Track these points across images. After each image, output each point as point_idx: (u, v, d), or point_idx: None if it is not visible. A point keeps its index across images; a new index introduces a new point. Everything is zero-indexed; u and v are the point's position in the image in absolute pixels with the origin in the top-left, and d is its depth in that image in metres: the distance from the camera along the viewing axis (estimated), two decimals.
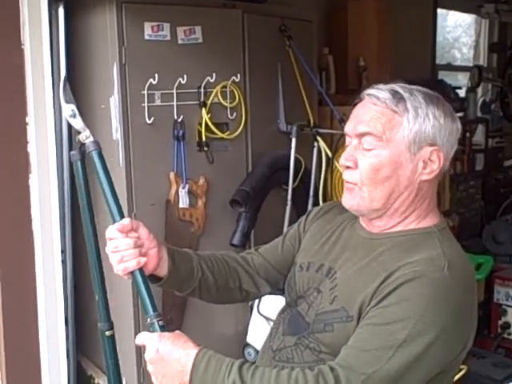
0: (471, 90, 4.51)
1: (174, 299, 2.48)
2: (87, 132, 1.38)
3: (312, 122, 2.83)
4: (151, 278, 1.43)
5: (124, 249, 1.35)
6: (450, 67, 5.02)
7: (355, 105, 1.40)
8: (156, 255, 1.41)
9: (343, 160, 1.37)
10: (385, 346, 1.21)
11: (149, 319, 1.31)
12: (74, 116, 1.38)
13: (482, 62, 5.20)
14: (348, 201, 1.40)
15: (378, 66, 3.56)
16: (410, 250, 1.32)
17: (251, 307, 2.71)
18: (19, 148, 2.28)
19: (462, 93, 4.67)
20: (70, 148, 2.43)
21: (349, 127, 1.38)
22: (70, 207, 2.46)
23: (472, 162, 4.55)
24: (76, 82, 2.44)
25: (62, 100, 1.37)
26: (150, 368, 1.28)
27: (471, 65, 5.28)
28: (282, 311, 1.56)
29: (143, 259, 1.35)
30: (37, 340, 2.44)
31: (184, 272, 1.47)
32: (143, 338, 1.29)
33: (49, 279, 2.42)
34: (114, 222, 1.35)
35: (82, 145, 1.38)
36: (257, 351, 2.70)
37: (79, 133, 1.38)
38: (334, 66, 3.39)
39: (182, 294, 1.53)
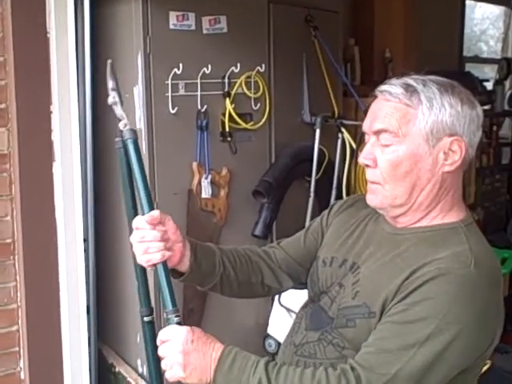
0: (499, 82, 4.44)
1: (195, 290, 2.46)
2: (125, 120, 1.38)
3: (336, 113, 2.80)
4: (173, 273, 1.42)
5: (150, 240, 1.33)
6: (477, 59, 4.95)
7: (371, 102, 1.38)
8: (180, 250, 1.40)
9: (362, 158, 1.35)
10: (406, 345, 1.19)
11: (165, 314, 1.30)
12: (115, 104, 1.38)
13: (511, 54, 5.10)
14: (372, 201, 1.38)
15: (404, 58, 3.52)
16: (435, 245, 1.29)
17: (272, 299, 2.71)
18: (43, 136, 2.29)
19: (489, 85, 4.59)
20: (94, 137, 2.43)
21: (365, 125, 1.36)
22: (92, 196, 2.47)
23: (498, 156, 4.48)
24: (100, 71, 2.44)
25: (109, 87, 1.38)
26: (179, 359, 1.24)
27: (498, 57, 5.20)
28: (305, 305, 1.55)
29: (168, 253, 1.34)
30: (59, 328, 2.46)
31: (206, 267, 1.46)
32: (170, 331, 1.27)
33: (71, 268, 2.44)
34: (143, 212, 1.34)
35: (121, 132, 1.38)
36: (277, 342, 2.69)
37: (119, 120, 1.38)
38: (359, 58, 3.36)
39: (204, 288, 1.53)
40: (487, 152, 4.37)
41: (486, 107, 4.37)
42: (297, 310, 2.60)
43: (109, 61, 1.41)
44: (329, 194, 2.83)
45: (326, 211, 1.63)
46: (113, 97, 1.38)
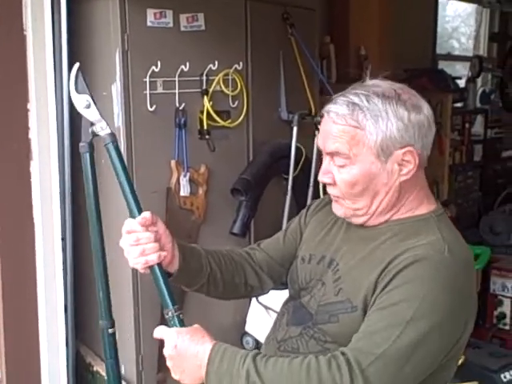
0: (471, 80, 4.50)
1: (173, 288, 2.47)
2: (103, 123, 1.35)
3: (313, 110, 2.81)
4: None
5: (145, 242, 1.34)
6: (450, 57, 5.01)
7: (321, 117, 1.40)
8: (171, 251, 1.40)
9: (321, 176, 1.39)
10: (392, 324, 1.22)
11: (170, 313, 1.32)
12: (88, 107, 1.33)
13: (482, 52, 5.18)
14: (337, 210, 1.43)
15: (379, 55, 3.55)
16: (409, 236, 1.33)
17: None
18: (20, 135, 2.27)
19: (461, 83, 4.66)
20: (72, 135, 2.40)
21: (320, 143, 1.39)
22: (70, 195, 2.45)
23: (470, 153, 4.56)
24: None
25: (74, 90, 1.33)
26: (169, 363, 1.29)
27: (470, 55, 5.28)
28: (286, 303, 1.57)
29: (164, 253, 1.36)
30: (36, 328, 2.44)
31: (194, 268, 1.47)
32: (161, 332, 1.31)
33: (49, 267, 2.42)
34: (132, 215, 1.33)
35: (94, 136, 1.35)
36: (255, 340, 2.70)
37: (93, 124, 1.34)
38: (335, 55, 3.37)
39: (190, 289, 1.53)
40: (460, 149, 4.44)
41: (459, 104, 4.44)
42: (275, 308, 2.63)
43: (76, 64, 1.38)
44: (306, 192, 2.84)
45: (303, 211, 1.65)
46: (86, 100, 1.33)
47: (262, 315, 2.66)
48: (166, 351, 1.28)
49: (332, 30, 3.52)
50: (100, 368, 2.57)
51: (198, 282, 1.50)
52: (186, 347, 1.26)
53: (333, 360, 1.20)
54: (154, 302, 2.45)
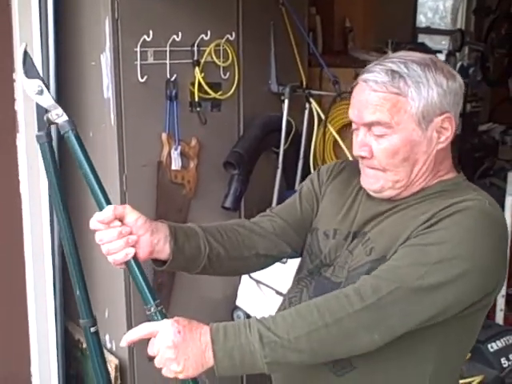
0: (452, 53, 4.50)
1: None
2: (59, 110, 1.21)
3: (304, 83, 2.78)
4: (155, 262, 1.35)
5: (108, 241, 1.25)
6: (430, 30, 5.00)
7: (352, 88, 1.35)
8: (148, 242, 1.30)
9: (358, 150, 1.34)
10: (418, 263, 1.20)
11: (152, 309, 1.24)
12: (40, 93, 1.20)
13: (460, 25, 5.18)
14: (371, 185, 1.36)
15: (363, 28, 3.51)
16: (445, 197, 1.30)
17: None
18: (6, 106, 2.20)
19: (440, 56, 4.66)
20: (60, 105, 2.32)
21: (353, 115, 1.34)
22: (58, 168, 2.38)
23: None
24: (65, 38, 2.34)
25: (24, 75, 1.19)
26: (170, 354, 1.18)
27: (447, 28, 5.28)
28: (301, 279, 1.49)
29: (131, 250, 1.25)
30: (25, 305, 2.40)
31: (189, 251, 1.37)
32: (154, 326, 1.22)
33: (37, 243, 2.37)
34: (100, 209, 1.25)
35: (50, 125, 1.23)
36: (247, 314, 2.69)
37: (47, 111, 1.21)
38: (321, 27, 3.33)
39: (192, 273, 1.44)
40: None
41: None
42: (266, 282, 2.61)
43: (23, 44, 1.22)
44: (295, 165, 2.82)
45: (313, 177, 1.57)
46: (37, 85, 1.19)
47: (253, 289, 2.65)
48: (168, 340, 1.17)
49: (317, 2, 3.46)
50: None
51: (198, 265, 1.40)
52: (189, 332, 1.19)
53: (341, 293, 1.20)
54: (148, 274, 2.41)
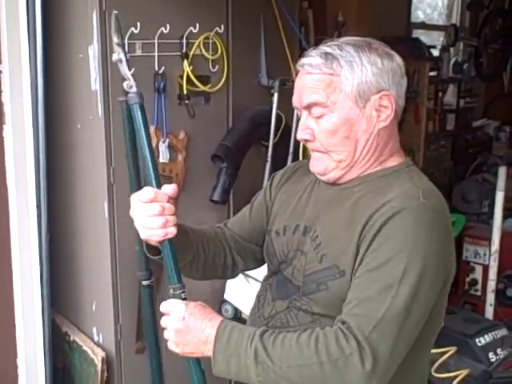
0: (445, 49, 4.49)
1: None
2: (132, 82, 1.27)
3: (294, 76, 2.76)
4: (149, 248, 1.39)
5: (169, 213, 1.30)
6: (425, 26, 4.98)
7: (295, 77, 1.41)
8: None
9: (300, 133, 1.38)
10: (385, 287, 1.21)
11: (176, 289, 1.30)
12: (120, 61, 1.29)
13: (455, 21, 5.17)
14: (316, 167, 1.41)
15: (357, 22, 3.51)
16: (382, 190, 1.33)
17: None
18: None
19: (434, 52, 4.64)
20: (46, 98, 2.32)
21: (295, 100, 1.39)
22: (45, 160, 2.37)
23: (443, 122, 4.58)
24: (52, 29, 2.33)
25: (114, 40, 1.28)
26: (171, 335, 1.28)
27: (443, 24, 5.27)
28: (267, 278, 1.54)
29: (172, 230, 1.31)
30: (11, 296, 2.39)
31: (182, 245, 1.42)
32: (169, 305, 1.29)
33: (23, 234, 2.36)
34: (152, 183, 1.30)
35: (127, 93, 1.28)
36: (234, 308, 2.69)
37: (124, 80, 1.29)
38: (313, 21, 3.31)
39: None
40: (433, 118, 4.45)
41: (433, 73, 4.44)
42: (254, 276, 2.61)
43: (114, 12, 1.30)
44: (285, 159, 2.81)
45: (267, 184, 1.63)
46: (118, 53, 1.28)
47: (242, 283, 2.64)
48: (172, 323, 1.27)
49: None
50: (77, 337, 2.53)
51: (183, 260, 1.44)
52: (194, 321, 1.26)
53: (339, 332, 1.20)
54: (131, 271, 2.40)
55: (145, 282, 1.50)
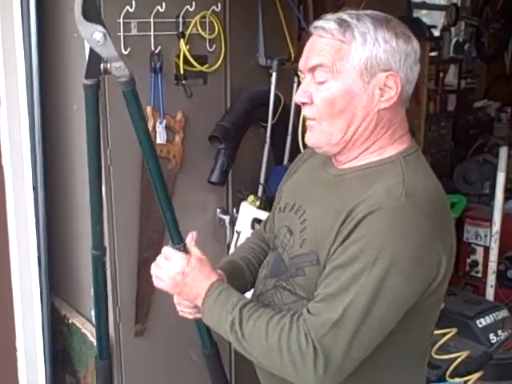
0: (446, 29, 4.45)
1: (149, 239, 2.43)
2: (120, 63, 1.16)
3: (293, 56, 2.73)
4: None
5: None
6: (425, 5, 4.93)
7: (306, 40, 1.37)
8: None
9: (298, 96, 1.35)
10: (345, 287, 1.21)
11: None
12: (102, 40, 1.12)
13: (456, 0, 5.12)
14: (309, 138, 1.39)
15: (357, 1, 3.44)
16: (369, 182, 1.29)
17: (228, 246, 2.68)
18: None
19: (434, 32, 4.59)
20: (41, 80, 2.29)
21: (301, 63, 1.36)
22: (41, 143, 2.34)
23: (444, 103, 4.54)
24: (46, 8, 2.30)
25: (81, 17, 1.10)
26: (165, 284, 1.41)
27: (444, 3, 5.22)
28: (269, 255, 1.55)
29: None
30: (9, 281, 2.37)
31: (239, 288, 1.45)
32: (172, 253, 1.42)
33: (20, 218, 2.34)
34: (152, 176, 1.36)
35: (106, 75, 1.22)
36: None
37: (105, 61, 1.14)
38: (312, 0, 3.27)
39: None
40: (434, 99, 4.41)
41: (433, 54, 4.40)
42: None
43: None
44: (284, 140, 2.78)
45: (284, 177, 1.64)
46: (100, 32, 1.13)
47: None
48: (171, 271, 1.39)
49: None
50: (76, 320, 2.52)
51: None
52: (193, 277, 1.37)
53: (302, 327, 1.23)
54: (130, 253, 2.39)
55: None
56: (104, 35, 1.11)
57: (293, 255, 1.36)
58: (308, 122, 1.37)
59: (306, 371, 1.21)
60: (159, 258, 1.43)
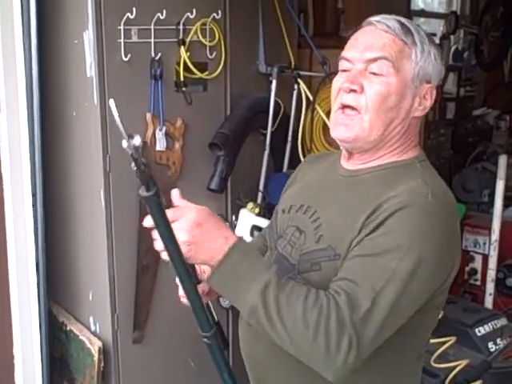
0: (446, 37, 4.45)
1: (148, 245, 2.41)
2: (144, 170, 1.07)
3: (293, 64, 2.73)
4: None
5: None
6: (424, 13, 4.94)
7: (353, 33, 1.38)
8: None
9: (348, 83, 1.33)
10: (379, 276, 1.20)
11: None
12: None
13: (455, 8, 5.13)
14: (345, 132, 1.35)
15: (356, 9, 3.45)
16: (392, 182, 1.31)
17: None
18: None
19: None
20: (41, 85, 2.28)
21: (354, 52, 1.34)
22: (40, 149, 2.34)
23: (443, 111, 4.54)
24: (46, 14, 2.30)
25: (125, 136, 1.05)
26: (181, 236, 1.18)
27: (443, 11, 5.22)
28: (267, 257, 1.53)
29: None
30: (7, 287, 2.36)
31: None
32: (188, 208, 1.24)
33: (19, 223, 2.34)
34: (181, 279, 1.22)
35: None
36: None
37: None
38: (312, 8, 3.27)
39: None
40: (433, 107, 4.39)
41: None
42: None
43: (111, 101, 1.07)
44: (283, 147, 2.79)
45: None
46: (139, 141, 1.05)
47: None
48: (185, 224, 1.19)
49: None
50: (74, 327, 2.51)
51: None
52: (211, 228, 1.22)
53: (340, 310, 1.18)
54: (129, 260, 2.39)
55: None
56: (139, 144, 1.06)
57: (306, 251, 1.36)
58: (342, 118, 1.34)
59: (337, 354, 1.16)
60: (173, 213, 1.22)
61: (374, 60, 1.31)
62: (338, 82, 1.37)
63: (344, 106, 1.34)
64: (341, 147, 1.44)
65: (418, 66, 1.31)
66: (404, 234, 1.22)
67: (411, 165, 1.36)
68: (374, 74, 1.31)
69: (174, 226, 1.17)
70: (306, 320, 1.16)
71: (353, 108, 1.33)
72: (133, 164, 1.06)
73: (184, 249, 1.19)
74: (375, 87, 1.31)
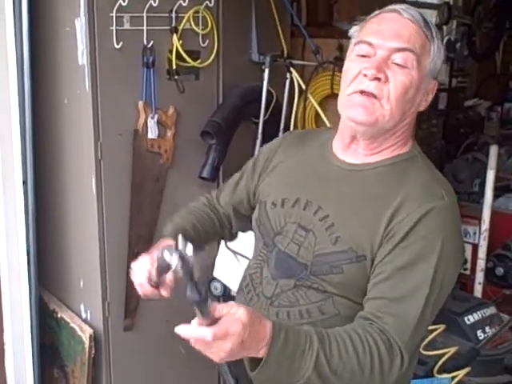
0: (438, 27, 4.45)
1: (139, 234, 2.42)
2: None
3: (286, 53, 2.73)
4: None
5: None
6: (418, 4, 4.92)
7: (373, 17, 1.35)
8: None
9: (374, 70, 1.27)
10: (418, 287, 1.24)
11: None
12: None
13: None
14: (364, 115, 1.30)
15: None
16: (400, 179, 1.32)
17: (218, 241, 2.67)
18: None
19: None
20: (33, 72, 2.27)
21: (377, 39, 1.29)
22: (31, 136, 2.33)
23: (435, 101, 4.54)
24: (38, 1, 2.28)
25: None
26: (224, 353, 1.09)
27: (436, 2, 5.21)
28: (260, 254, 1.48)
29: None
30: None
31: None
32: (228, 327, 1.08)
33: (10, 210, 2.33)
34: None
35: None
36: (223, 285, 2.67)
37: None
38: None
39: None
40: None
41: None
42: (243, 253, 2.60)
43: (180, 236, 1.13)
44: (275, 136, 2.76)
45: (259, 155, 1.64)
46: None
47: (231, 260, 2.63)
48: (226, 348, 1.08)
49: None
50: (65, 315, 2.51)
51: None
52: (251, 340, 1.10)
53: (384, 339, 1.21)
54: (120, 248, 2.39)
55: None
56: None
57: (321, 252, 1.33)
58: (362, 101, 1.29)
59: (392, 372, 1.22)
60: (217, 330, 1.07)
61: (399, 50, 1.28)
62: (356, 66, 1.31)
63: (363, 92, 1.29)
64: (346, 132, 1.38)
65: (433, 61, 1.31)
66: (433, 238, 1.25)
67: (413, 157, 1.37)
68: (398, 64, 1.28)
69: (221, 345, 1.08)
70: (362, 367, 1.19)
71: (374, 96, 1.29)
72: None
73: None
74: (400, 79, 1.28)
